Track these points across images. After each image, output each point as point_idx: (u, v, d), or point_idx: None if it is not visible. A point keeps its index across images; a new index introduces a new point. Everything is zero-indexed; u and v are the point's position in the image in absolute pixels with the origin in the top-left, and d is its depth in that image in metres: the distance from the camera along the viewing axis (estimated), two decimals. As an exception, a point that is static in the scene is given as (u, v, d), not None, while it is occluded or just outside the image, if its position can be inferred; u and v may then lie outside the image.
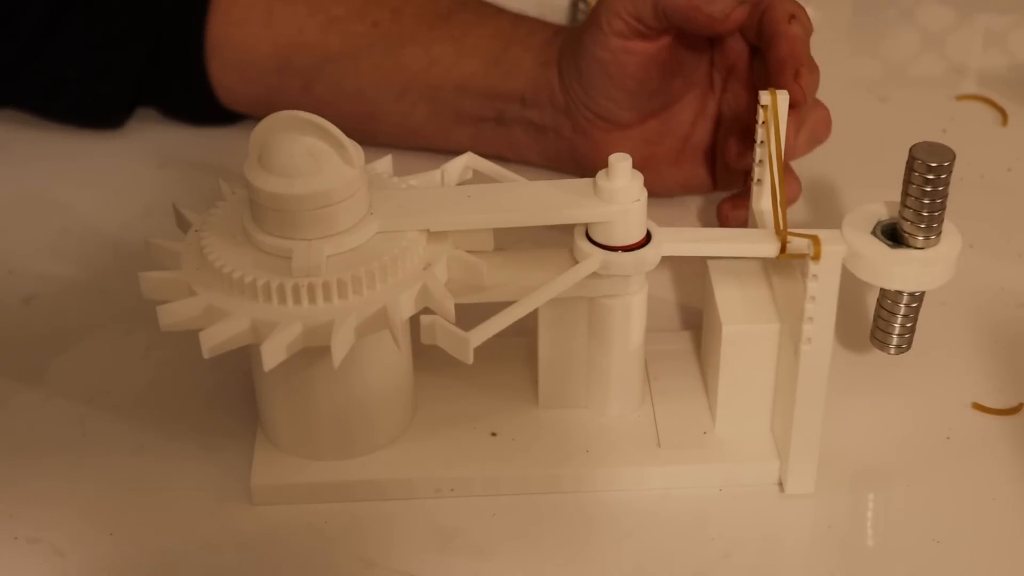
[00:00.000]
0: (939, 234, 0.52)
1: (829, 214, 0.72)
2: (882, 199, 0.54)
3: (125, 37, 0.75)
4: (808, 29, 0.64)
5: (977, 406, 0.60)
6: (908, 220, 0.52)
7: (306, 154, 0.51)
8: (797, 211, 0.72)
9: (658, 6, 0.64)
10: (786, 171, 0.67)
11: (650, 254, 0.53)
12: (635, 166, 0.53)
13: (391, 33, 0.73)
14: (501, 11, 0.74)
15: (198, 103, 0.77)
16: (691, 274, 0.67)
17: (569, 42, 0.69)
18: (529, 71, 0.71)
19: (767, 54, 0.63)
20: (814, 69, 0.64)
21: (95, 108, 0.78)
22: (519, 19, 0.74)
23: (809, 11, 0.60)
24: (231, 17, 0.74)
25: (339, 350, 0.49)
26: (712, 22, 0.63)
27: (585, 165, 0.69)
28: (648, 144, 0.69)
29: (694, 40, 0.67)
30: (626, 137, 0.69)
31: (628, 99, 0.67)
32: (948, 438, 0.59)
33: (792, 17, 0.63)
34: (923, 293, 0.55)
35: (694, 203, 0.74)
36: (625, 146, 0.67)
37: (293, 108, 0.75)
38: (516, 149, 0.73)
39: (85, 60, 0.75)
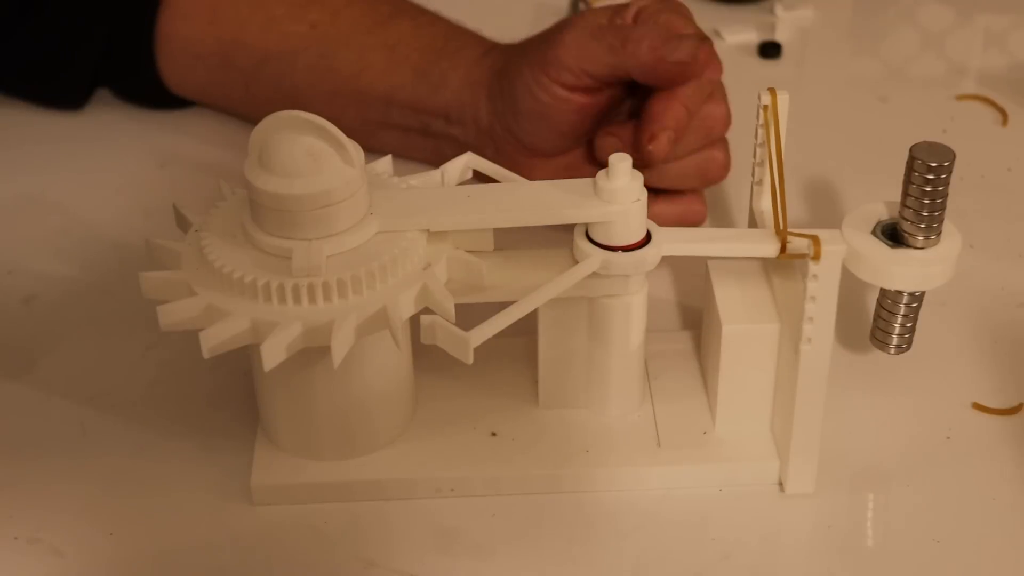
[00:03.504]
0: (939, 234, 0.52)
1: (829, 214, 0.72)
2: (882, 199, 0.54)
3: (84, 27, 0.77)
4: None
5: (977, 406, 0.60)
6: (908, 220, 0.52)
7: (306, 154, 0.51)
8: (797, 211, 0.72)
9: (618, 68, 0.62)
10: (694, 195, 0.67)
11: (650, 254, 0.53)
12: None
13: (328, 36, 0.74)
14: (437, 21, 0.75)
15: (148, 89, 0.79)
16: (691, 274, 0.67)
17: (506, 70, 0.68)
18: (455, 89, 0.70)
19: (647, 102, 0.61)
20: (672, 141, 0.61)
21: (56, 93, 0.81)
22: (452, 31, 0.74)
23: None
24: (179, 11, 0.76)
25: (339, 350, 0.49)
26: (682, 68, 0.61)
27: None
28: (570, 170, 0.67)
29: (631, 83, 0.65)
30: (550, 163, 0.68)
31: (559, 139, 0.67)
32: (948, 438, 0.59)
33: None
34: (923, 293, 0.55)
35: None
36: (547, 171, 0.66)
37: (234, 104, 0.78)
38: (441, 159, 0.72)
39: (47, 49, 0.77)
